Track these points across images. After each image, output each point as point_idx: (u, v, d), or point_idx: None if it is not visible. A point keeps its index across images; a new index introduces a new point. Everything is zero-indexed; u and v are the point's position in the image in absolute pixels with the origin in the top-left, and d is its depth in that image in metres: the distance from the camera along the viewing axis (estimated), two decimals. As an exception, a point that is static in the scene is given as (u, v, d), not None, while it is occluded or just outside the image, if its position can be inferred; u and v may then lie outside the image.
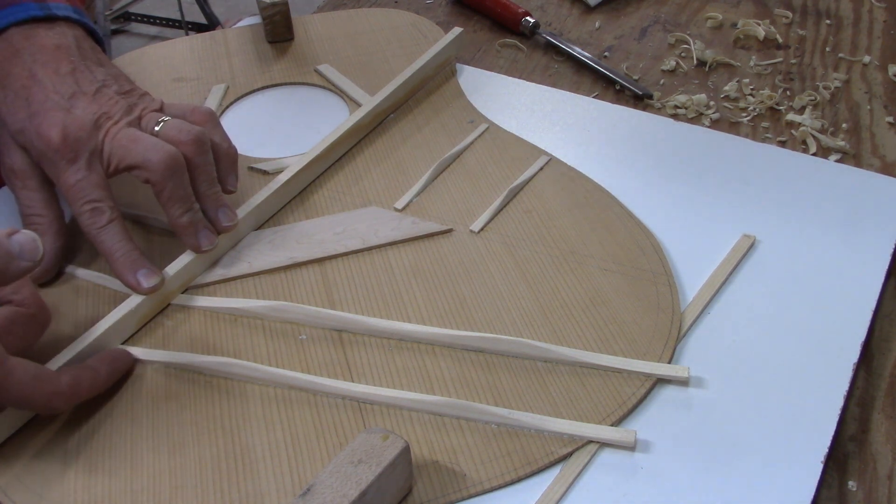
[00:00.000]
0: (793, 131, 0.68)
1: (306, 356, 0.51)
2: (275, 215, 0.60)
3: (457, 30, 0.74)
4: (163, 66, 0.74)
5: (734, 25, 0.80)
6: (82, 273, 0.56)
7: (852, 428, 0.49)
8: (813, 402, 0.48)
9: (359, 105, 0.68)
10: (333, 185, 0.63)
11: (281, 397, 0.49)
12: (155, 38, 2.60)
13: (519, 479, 0.45)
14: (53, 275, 0.56)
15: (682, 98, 0.71)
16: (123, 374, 0.50)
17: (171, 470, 0.46)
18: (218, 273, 0.56)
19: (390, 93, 0.68)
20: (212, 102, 0.70)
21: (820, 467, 0.45)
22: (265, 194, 0.59)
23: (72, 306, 0.54)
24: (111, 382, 0.49)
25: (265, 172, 0.63)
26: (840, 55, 0.76)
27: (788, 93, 0.72)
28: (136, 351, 0.51)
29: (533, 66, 0.76)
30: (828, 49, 0.77)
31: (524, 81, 0.73)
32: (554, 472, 0.45)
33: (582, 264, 0.56)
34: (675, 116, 0.70)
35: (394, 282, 0.55)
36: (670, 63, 0.75)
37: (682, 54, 0.77)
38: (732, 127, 0.69)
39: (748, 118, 0.69)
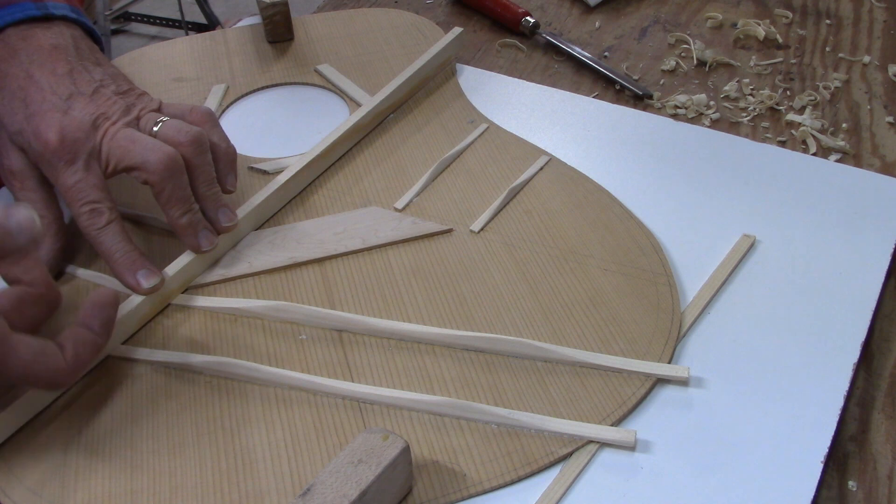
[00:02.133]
0: (793, 131, 0.68)
1: (306, 356, 0.51)
2: (275, 215, 0.60)
3: (457, 30, 0.74)
4: (162, 66, 0.74)
5: (734, 25, 0.80)
6: (82, 273, 0.56)
7: (852, 428, 0.49)
8: (813, 402, 0.48)
9: (359, 105, 0.68)
10: (333, 185, 0.63)
11: (281, 397, 0.49)
12: (155, 38, 2.60)
13: (519, 479, 0.45)
14: (54, 275, 0.56)
15: (682, 98, 0.71)
16: (115, 317, 0.48)
17: (171, 470, 0.46)
18: (218, 273, 0.56)
19: (390, 93, 0.68)
20: (212, 102, 0.70)
21: (820, 467, 0.45)
22: (265, 194, 0.59)
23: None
24: (109, 336, 0.48)
25: (265, 172, 0.63)
26: (840, 55, 0.76)
27: (788, 93, 0.72)
28: (137, 351, 0.51)
29: (533, 66, 0.76)
30: (828, 49, 0.77)
31: (524, 81, 0.73)
32: (554, 472, 0.45)
33: (582, 264, 0.56)
34: (675, 116, 0.69)
35: (394, 282, 0.55)
36: (670, 63, 0.75)
37: (682, 54, 0.77)
38: (732, 127, 0.69)
39: (748, 118, 0.69)
